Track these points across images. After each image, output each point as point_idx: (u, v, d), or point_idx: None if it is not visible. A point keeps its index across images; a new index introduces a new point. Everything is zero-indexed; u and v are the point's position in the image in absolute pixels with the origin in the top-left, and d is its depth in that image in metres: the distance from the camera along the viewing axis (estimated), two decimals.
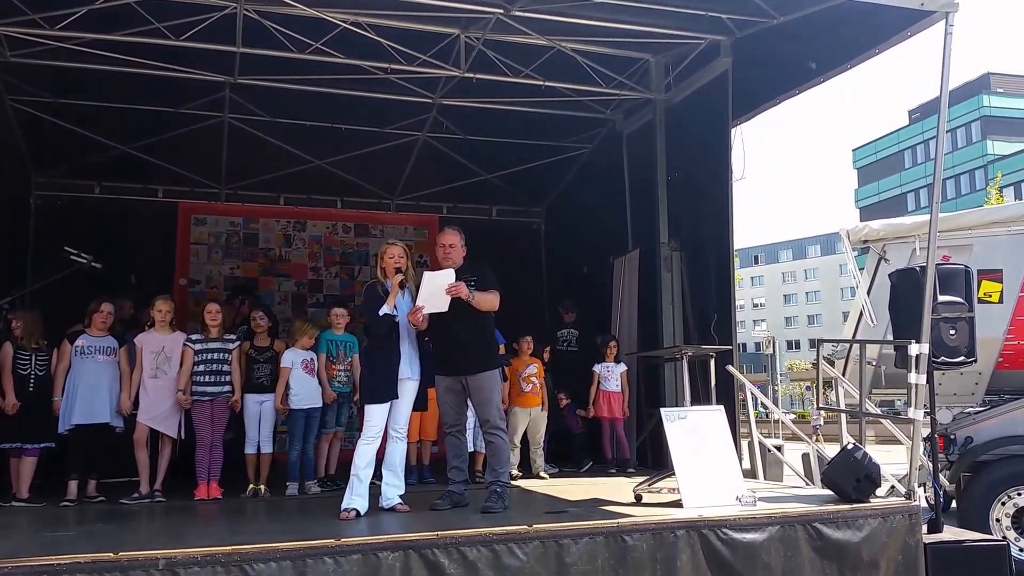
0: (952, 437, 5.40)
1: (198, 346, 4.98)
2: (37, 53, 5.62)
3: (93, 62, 5.67)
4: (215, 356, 5.02)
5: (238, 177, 7.89)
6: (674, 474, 4.03)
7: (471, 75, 6.05)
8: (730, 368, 5.37)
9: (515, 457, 5.76)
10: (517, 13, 5.26)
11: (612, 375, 6.30)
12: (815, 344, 5.33)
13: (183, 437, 5.05)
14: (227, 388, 5.04)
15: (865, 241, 6.67)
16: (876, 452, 4.20)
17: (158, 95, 6.38)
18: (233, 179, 7.92)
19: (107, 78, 5.96)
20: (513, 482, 4.94)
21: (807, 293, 63.15)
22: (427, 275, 3.98)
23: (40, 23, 5.24)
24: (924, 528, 3.85)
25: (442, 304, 3.95)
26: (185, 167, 7.61)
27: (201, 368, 4.98)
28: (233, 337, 5.18)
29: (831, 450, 4.66)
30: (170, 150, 7.32)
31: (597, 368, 6.33)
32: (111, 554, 2.80)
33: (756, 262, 65.47)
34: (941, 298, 4.17)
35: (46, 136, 6.77)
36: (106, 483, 5.00)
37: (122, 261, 6.64)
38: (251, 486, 5.06)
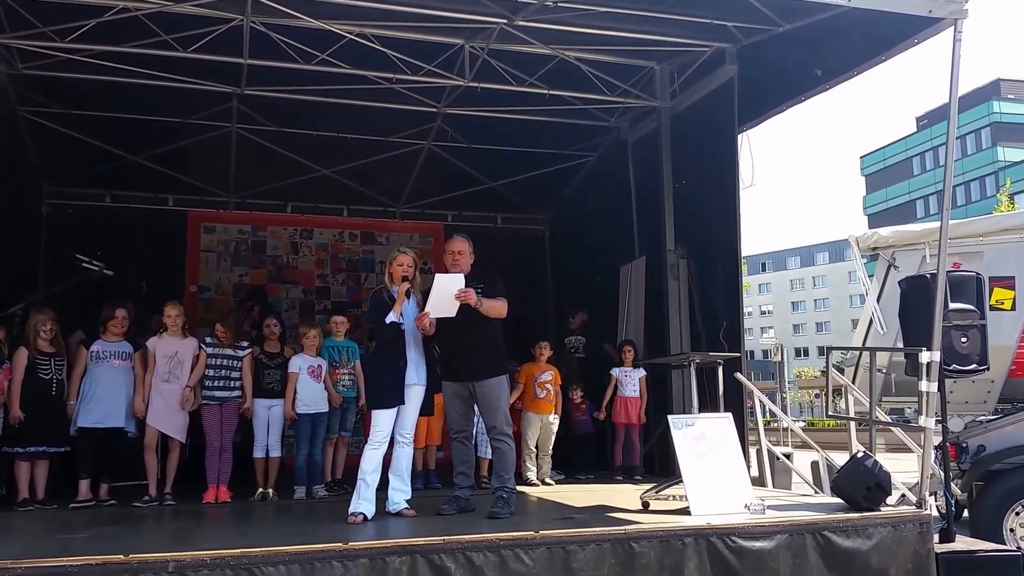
0: (964, 446, 5.34)
1: (211, 349, 5.04)
2: (48, 65, 5.71)
3: (103, 73, 5.75)
4: (225, 362, 5.07)
5: (246, 186, 7.96)
6: (681, 481, 4.01)
7: (476, 84, 6.09)
8: (738, 375, 5.34)
9: (532, 463, 5.74)
10: (521, 23, 5.29)
11: (630, 380, 6.25)
12: (824, 351, 5.30)
13: (189, 440, 5.08)
14: (236, 393, 5.09)
15: (875, 248, 6.64)
16: (886, 460, 4.16)
17: (167, 106, 6.46)
18: (241, 188, 8.00)
19: (117, 89, 6.03)
20: (522, 488, 4.92)
21: (815, 300, 62.77)
22: (438, 277, 3.99)
23: (51, 36, 5.32)
24: (936, 537, 3.80)
25: (450, 309, 3.96)
26: (194, 176, 7.69)
27: (211, 372, 5.03)
28: (245, 344, 5.23)
29: (840, 458, 4.62)
30: (179, 160, 7.40)
31: (615, 372, 6.30)
32: (121, 556, 2.82)
33: (763, 269, 65.19)
34: (952, 305, 4.13)
35: (57, 146, 6.85)
36: (117, 486, 5.04)
37: (133, 269, 6.71)
38: (259, 490, 5.09)
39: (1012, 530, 5.07)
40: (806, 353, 58.65)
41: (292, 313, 7.91)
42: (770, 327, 60.28)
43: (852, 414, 5.33)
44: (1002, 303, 5.81)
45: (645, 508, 4.19)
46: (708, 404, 4.95)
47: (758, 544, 3.43)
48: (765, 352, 45.51)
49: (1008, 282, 5.86)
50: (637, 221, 7.05)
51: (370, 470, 3.94)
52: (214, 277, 7.97)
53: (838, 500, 4.08)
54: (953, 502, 4.43)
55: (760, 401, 5.70)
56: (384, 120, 6.93)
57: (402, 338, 4.04)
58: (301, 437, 5.18)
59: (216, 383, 5.03)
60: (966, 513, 5.49)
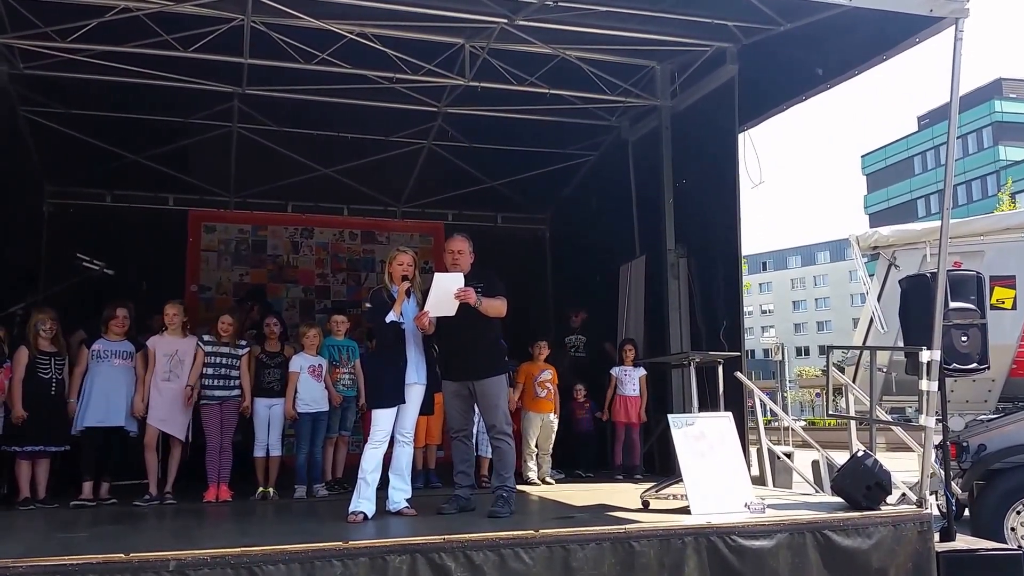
0: (965, 445, 5.35)
1: (208, 348, 5.04)
2: (49, 65, 5.71)
3: (104, 73, 5.75)
4: (224, 360, 5.07)
5: (247, 185, 7.97)
6: (681, 480, 4.01)
7: (476, 84, 6.09)
8: (738, 375, 5.34)
9: (533, 462, 5.73)
10: (521, 22, 5.29)
11: (630, 379, 6.24)
12: (824, 351, 5.29)
13: (191, 439, 5.10)
14: (235, 392, 5.10)
15: (875, 247, 6.64)
16: (887, 459, 4.15)
17: (168, 106, 6.46)
18: (242, 187, 8.01)
19: (118, 89, 6.04)
20: (522, 487, 4.92)
21: (816, 299, 62.74)
22: (437, 276, 3.99)
23: (52, 36, 5.32)
24: (936, 536, 3.80)
25: (450, 308, 3.96)
26: (195, 176, 7.70)
27: (210, 371, 5.04)
28: (243, 343, 5.24)
29: (841, 457, 4.62)
30: (180, 159, 7.41)
31: (615, 371, 6.29)
32: (122, 555, 2.83)
33: (764, 268, 65.15)
34: (952, 304, 4.13)
35: (58, 146, 6.86)
36: (118, 485, 5.05)
37: (133, 268, 6.72)
38: (260, 489, 5.09)
39: (1013, 529, 5.07)
40: (807, 352, 58.62)
41: (292, 312, 7.92)
42: (771, 326, 60.21)
43: (852, 413, 5.32)
44: (1003, 302, 5.81)
45: (645, 507, 4.19)
46: (708, 403, 4.95)
47: (758, 543, 3.44)
48: (766, 351, 45.49)
49: (1009, 281, 5.86)
50: (637, 220, 7.05)
51: (370, 469, 3.94)
52: (214, 276, 7.98)
53: (838, 499, 4.08)
54: (954, 501, 4.43)
55: (760, 400, 5.70)
56: (384, 119, 6.93)
57: (402, 337, 4.05)
58: (301, 436, 5.19)
59: (215, 382, 5.03)
60: (967, 512, 5.49)
